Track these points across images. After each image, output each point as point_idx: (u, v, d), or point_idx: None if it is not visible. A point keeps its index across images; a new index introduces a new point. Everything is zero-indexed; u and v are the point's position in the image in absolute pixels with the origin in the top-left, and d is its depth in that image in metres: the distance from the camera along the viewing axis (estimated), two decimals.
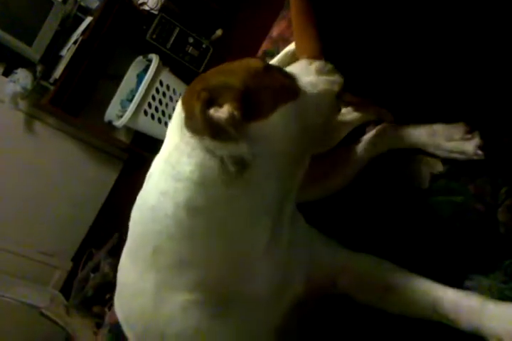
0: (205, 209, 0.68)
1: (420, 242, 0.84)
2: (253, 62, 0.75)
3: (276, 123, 0.70)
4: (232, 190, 0.68)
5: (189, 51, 2.99)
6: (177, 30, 2.93)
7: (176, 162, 0.69)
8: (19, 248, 2.95)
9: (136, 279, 0.76)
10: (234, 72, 0.72)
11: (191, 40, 2.99)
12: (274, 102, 0.70)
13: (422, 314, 0.75)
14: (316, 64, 0.82)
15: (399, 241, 0.87)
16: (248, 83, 0.69)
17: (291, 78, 0.76)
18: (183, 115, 0.70)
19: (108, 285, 2.53)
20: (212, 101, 0.66)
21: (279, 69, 0.78)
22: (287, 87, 0.74)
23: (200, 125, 0.65)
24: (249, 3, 3.00)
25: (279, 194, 0.74)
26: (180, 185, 0.68)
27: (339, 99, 0.82)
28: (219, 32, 3.09)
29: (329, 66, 0.82)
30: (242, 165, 0.67)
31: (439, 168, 0.87)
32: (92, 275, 2.64)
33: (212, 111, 0.65)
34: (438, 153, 0.86)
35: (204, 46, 3.04)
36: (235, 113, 0.65)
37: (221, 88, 0.68)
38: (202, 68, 3.01)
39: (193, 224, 0.68)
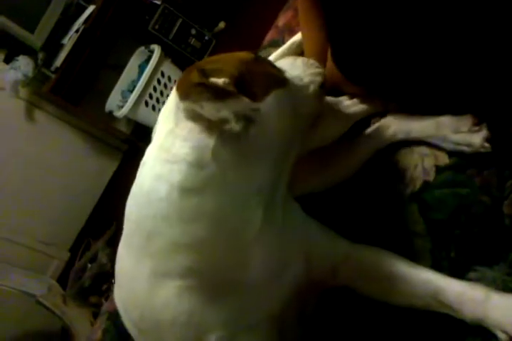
0: (199, 191, 0.68)
1: (424, 234, 0.84)
2: (243, 53, 0.76)
3: (270, 107, 0.72)
4: (231, 159, 0.69)
5: (191, 43, 2.98)
6: (180, 21, 2.92)
7: (170, 146, 0.69)
8: (17, 236, 2.94)
9: (132, 267, 0.75)
10: (226, 60, 0.74)
11: (194, 32, 2.98)
12: (266, 88, 0.72)
13: (424, 304, 0.75)
14: (301, 59, 0.87)
15: (401, 233, 0.87)
16: (240, 69, 0.70)
17: (279, 70, 0.79)
18: (178, 97, 0.70)
19: (105, 276, 2.53)
20: (207, 74, 0.68)
21: (268, 61, 0.81)
22: (277, 76, 0.77)
23: (198, 90, 0.66)
24: None
25: (272, 175, 0.75)
26: (175, 166, 0.68)
27: (322, 89, 0.86)
28: (222, 24, 3.07)
29: (312, 61, 0.87)
30: (247, 120, 0.69)
31: (445, 160, 0.86)
32: (89, 265, 2.64)
33: (210, 79, 0.67)
34: (444, 145, 0.85)
35: (206, 38, 3.03)
36: (231, 86, 0.66)
37: (215, 72, 0.69)
38: None
39: (186, 205, 0.68)
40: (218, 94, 0.66)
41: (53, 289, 2.54)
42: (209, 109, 0.66)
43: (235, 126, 0.67)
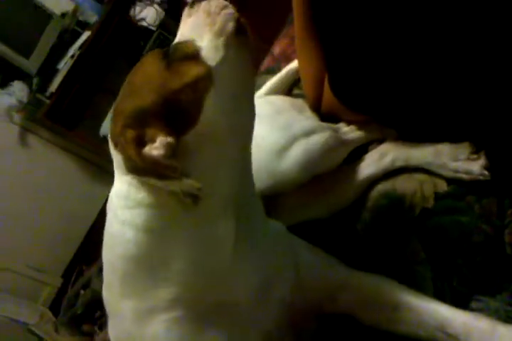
0: (164, 230, 0.67)
1: (424, 262, 0.83)
2: (150, 62, 0.70)
3: (212, 117, 0.67)
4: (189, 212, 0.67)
5: None
6: None
7: (126, 193, 0.68)
8: (9, 262, 2.90)
9: (115, 308, 0.74)
10: (140, 87, 0.69)
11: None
12: (197, 99, 0.66)
13: (430, 335, 0.73)
14: (203, 10, 0.72)
15: (401, 260, 0.86)
16: (160, 94, 0.66)
17: (193, 55, 0.69)
18: (118, 155, 0.67)
19: (98, 303, 2.48)
20: (141, 138, 0.63)
21: (178, 54, 0.69)
22: (198, 77, 0.67)
23: (141, 168, 0.63)
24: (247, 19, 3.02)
25: (234, 195, 0.71)
26: (136, 211, 0.67)
27: (242, 34, 0.73)
28: None
29: (218, 2, 0.73)
30: (194, 197, 0.64)
31: (444, 187, 0.86)
32: (82, 292, 2.60)
33: (147, 149, 0.62)
34: (443, 172, 0.85)
35: None
36: (169, 140, 0.62)
37: (139, 116, 0.65)
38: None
39: (153, 245, 0.67)
40: (162, 173, 0.62)
41: (45, 317, 2.49)
42: (156, 184, 0.64)
43: (184, 200, 0.64)
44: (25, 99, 2.66)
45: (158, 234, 0.67)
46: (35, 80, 2.72)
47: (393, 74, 0.82)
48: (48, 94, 2.69)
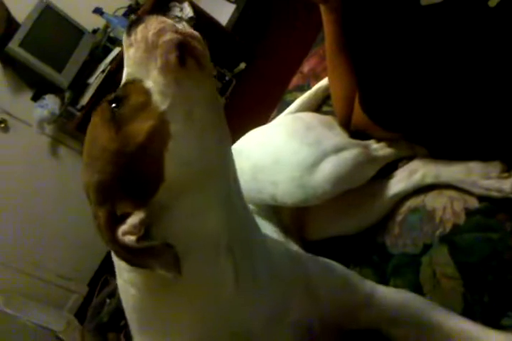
0: (162, 287, 0.67)
1: (455, 277, 0.84)
2: (100, 127, 0.64)
3: (177, 168, 0.62)
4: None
5: None
6: None
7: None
8: (37, 271, 2.95)
9: None
10: (96, 159, 0.63)
11: (214, 72, 3.05)
12: (155, 155, 0.61)
13: None
14: (141, 39, 0.65)
15: (432, 275, 0.87)
16: (117, 164, 0.61)
17: (142, 104, 0.63)
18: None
19: (123, 312, 2.50)
20: (113, 215, 0.60)
21: (127, 105, 0.63)
22: (152, 130, 0.61)
23: (121, 257, 0.62)
24: (274, 37, 3.06)
25: (224, 235, 0.68)
26: (133, 274, 0.68)
27: (190, 58, 0.65)
28: (242, 65, 3.14)
29: (155, 25, 0.65)
30: (175, 266, 0.60)
31: (474, 204, 0.86)
32: (108, 300, 2.63)
33: (120, 234, 0.59)
34: (474, 190, 0.86)
35: (227, 78, 3.09)
36: (139, 217, 0.59)
37: (104, 191, 0.62)
38: (224, 100, 3.05)
39: (156, 301, 0.69)
40: (136, 264, 0.61)
41: (72, 324, 2.53)
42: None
43: (166, 275, 0.60)
44: (57, 112, 2.72)
45: (158, 291, 0.67)
46: (67, 94, 2.79)
47: (425, 92, 0.83)
48: (79, 107, 2.76)
